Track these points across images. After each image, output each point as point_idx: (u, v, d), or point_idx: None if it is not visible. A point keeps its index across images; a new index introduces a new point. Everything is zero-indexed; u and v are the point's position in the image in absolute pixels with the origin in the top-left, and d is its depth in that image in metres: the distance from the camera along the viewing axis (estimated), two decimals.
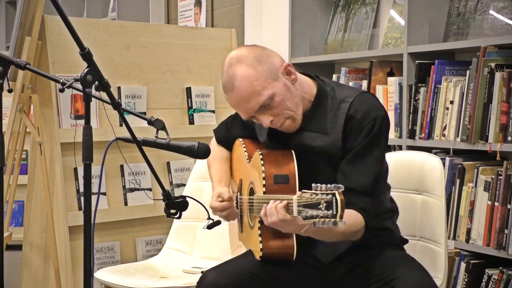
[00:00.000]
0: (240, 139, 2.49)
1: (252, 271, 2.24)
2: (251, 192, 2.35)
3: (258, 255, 2.24)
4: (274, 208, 2.02)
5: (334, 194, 1.82)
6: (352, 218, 2.11)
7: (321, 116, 2.25)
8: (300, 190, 2.15)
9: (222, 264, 2.33)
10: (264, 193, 2.19)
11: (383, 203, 2.31)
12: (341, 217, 1.81)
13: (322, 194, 1.83)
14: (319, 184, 1.87)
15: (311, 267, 2.30)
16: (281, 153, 2.25)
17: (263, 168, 2.21)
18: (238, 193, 2.48)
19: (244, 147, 2.43)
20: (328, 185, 1.84)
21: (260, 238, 2.22)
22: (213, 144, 2.62)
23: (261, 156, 2.24)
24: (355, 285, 2.24)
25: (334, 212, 1.81)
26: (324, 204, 1.82)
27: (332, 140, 2.22)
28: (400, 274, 2.12)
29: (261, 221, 2.19)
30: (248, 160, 2.38)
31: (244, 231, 2.45)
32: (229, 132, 2.57)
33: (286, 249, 2.20)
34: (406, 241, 2.41)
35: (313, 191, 1.86)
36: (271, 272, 2.26)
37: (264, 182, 2.19)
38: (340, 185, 1.84)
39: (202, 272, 2.88)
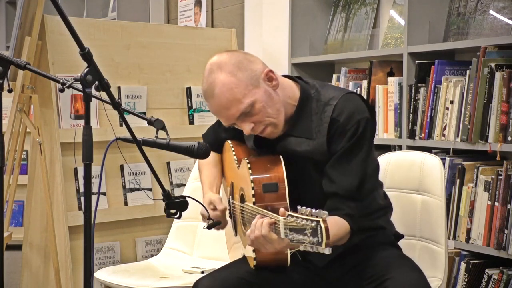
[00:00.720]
0: (229, 142, 2.46)
1: (246, 278, 2.23)
2: (242, 198, 2.33)
3: (252, 263, 2.23)
4: (260, 223, 1.99)
5: (318, 222, 1.77)
6: (337, 227, 2.08)
7: (305, 120, 2.22)
8: (289, 196, 2.14)
9: (215, 271, 2.31)
10: (254, 203, 2.17)
11: (376, 201, 2.30)
12: (327, 244, 1.77)
13: (307, 220, 1.79)
14: (304, 207, 1.83)
15: (305, 271, 2.29)
16: (269, 159, 2.23)
17: (251, 178, 2.19)
18: (230, 197, 2.47)
19: (233, 150, 2.41)
20: (313, 210, 1.80)
21: (253, 247, 2.20)
22: None
23: (249, 165, 2.22)
24: (350, 287, 2.23)
25: (320, 240, 1.77)
26: (310, 231, 1.78)
27: (317, 144, 2.20)
28: (393, 274, 2.12)
29: None
30: (237, 165, 2.36)
31: (238, 235, 2.45)
32: (217, 136, 2.54)
33: (280, 255, 2.18)
34: (401, 236, 2.40)
35: (298, 215, 1.82)
36: (266, 278, 2.24)
37: (253, 192, 2.17)
38: (325, 212, 1.79)
39: (202, 272, 2.90)
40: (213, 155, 2.55)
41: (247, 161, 2.24)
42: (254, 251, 2.19)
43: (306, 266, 2.29)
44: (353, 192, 2.16)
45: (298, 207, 1.84)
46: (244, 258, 2.34)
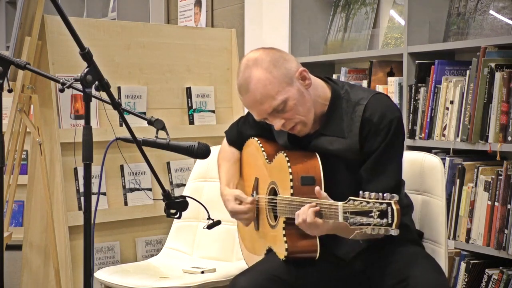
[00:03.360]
0: (256, 138, 2.51)
1: (277, 274, 2.27)
2: (273, 192, 2.37)
3: (282, 255, 2.27)
4: (305, 209, 2.10)
5: (389, 204, 1.86)
6: None
7: (337, 119, 2.27)
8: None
9: (250, 268, 2.36)
10: (292, 194, 2.22)
11: (401, 200, 2.33)
12: (397, 225, 1.85)
13: (375, 203, 1.88)
14: (367, 192, 1.92)
15: (330, 265, 2.32)
16: (305, 154, 2.28)
17: (290, 170, 2.23)
18: (254, 192, 2.49)
19: (262, 146, 2.45)
20: (381, 194, 1.89)
21: (285, 238, 2.25)
22: (224, 145, 2.65)
23: (287, 158, 2.26)
24: (372, 280, 2.27)
25: (390, 221, 1.85)
26: (377, 213, 1.86)
27: (349, 143, 2.25)
28: (415, 273, 2.15)
29: (286, 222, 2.24)
30: (268, 161, 2.40)
31: (261, 229, 2.47)
32: (240, 133, 2.60)
33: (310, 247, 2.23)
34: (422, 234, 2.43)
35: (362, 199, 1.91)
36: (294, 272, 2.29)
37: (291, 184, 2.22)
38: (395, 195, 1.87)
39: (202, 272, 2.90)
40: (233, 152, 2.62)
41: (285, 154, 2.28)
42: (286, 242, 2.24)
43: (331, 261, 2.32)
44: (393, 191, 2.18)
45: (360, 192, 1.93)
46: (272, 255, 2.36)
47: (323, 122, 2.30)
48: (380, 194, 1.89)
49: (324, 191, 2.19)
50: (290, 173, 2.23)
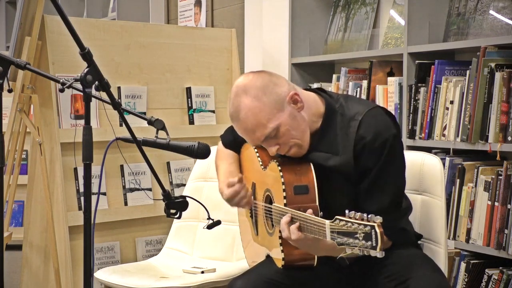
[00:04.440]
0: None
1: (275, 278, 2.26)
2: (268, 200, 2.35)
3: (280, 263, 2.25)
4: (285, 225, 2.08)
5: (373, 227, 1.81)
6: None
7: (331, 135, 2.23)
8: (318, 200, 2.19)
9: (248, 272, 2.34)
10: (285, 204, 2.19)
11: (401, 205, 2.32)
12: (381, 248, 1.81)
13: (359, 225, 1.84)
14: (353, 212, 1.87)
15: (329, 269, 2.31)
16: (299, 162, 2.25)
17: (282, 180, 2.20)
18: (252, 197, 2.48)
19: (257, 152, 2.42)
20: (365, 215, 1.84)
21: (281, 247, 2.23)
22: (220, 147, 2.62)
23: (279, 167, 2.23)
24: (372, 283, 2.26)
25: (374, 244, 1.81)
26: (362, 235, 1.82)
27: (344, 160, 2.21)
28: (415, 274, 2.14)
29: None
30: (263, 167, 2.37)
31: (260, 234, 2.46)
32: (236, 138, 2.56)
33: (308, 255, 2.21)
34: (420, 236, 2.42)
35: (348, 219, 1.87)
36: (293, 277, 2.27)
37: (284, 193, 2.19)
38: (378, 217, 1.83)
39: (202, 272, 2.90)
40: (229, 152, 2.59)
41: (277, 163, 2.25)
42: (282, 251, 2.22)
43: (330, 265, 2.31)
44: (388, 209, 2.18)
45: (347, 211, 1.88)
46: (268, 260, 2.36)
47: (317, 138, 2.25)
48: (364, 215, 1.84)
49: (320, 200, 2.17)
50: (283, 183, 2.20)
